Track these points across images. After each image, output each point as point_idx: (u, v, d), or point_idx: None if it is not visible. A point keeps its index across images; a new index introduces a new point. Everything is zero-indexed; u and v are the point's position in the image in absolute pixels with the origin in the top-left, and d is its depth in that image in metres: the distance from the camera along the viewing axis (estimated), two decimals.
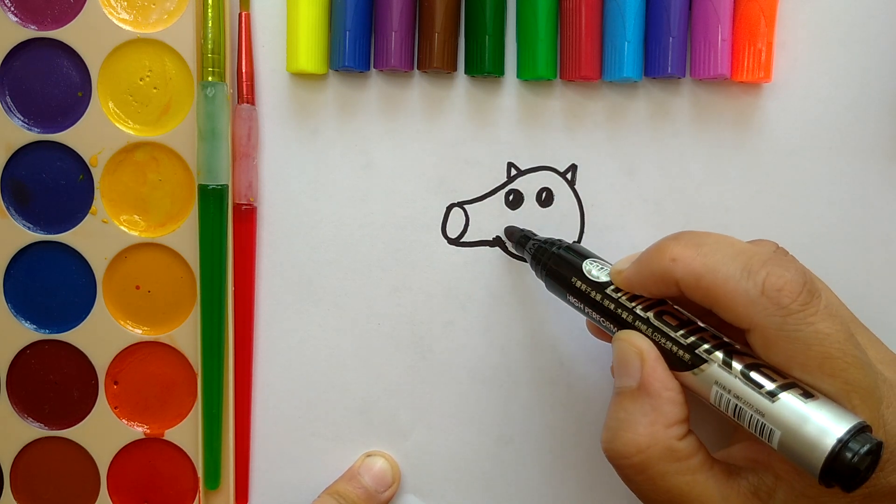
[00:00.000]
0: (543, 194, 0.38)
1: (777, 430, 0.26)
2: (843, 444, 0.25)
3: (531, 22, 0.36)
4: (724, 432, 0.36)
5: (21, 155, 0.39)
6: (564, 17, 0.36)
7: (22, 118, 0.39)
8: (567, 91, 0.38)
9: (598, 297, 0.32)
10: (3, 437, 0.41)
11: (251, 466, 0.40)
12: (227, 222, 0.38)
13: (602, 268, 0.32)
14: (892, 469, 0.27)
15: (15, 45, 0.39)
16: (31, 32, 0.38)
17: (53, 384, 0.41)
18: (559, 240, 0.35)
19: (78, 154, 0.39)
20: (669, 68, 0.35)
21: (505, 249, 0.39)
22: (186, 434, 0.40)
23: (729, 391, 0.27)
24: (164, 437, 0.40)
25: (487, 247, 0.39)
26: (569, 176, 0.38)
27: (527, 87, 0.38)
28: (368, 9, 0.37)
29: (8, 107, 0.39)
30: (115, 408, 0.40)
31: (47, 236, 0.39)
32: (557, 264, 0.33)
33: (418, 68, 0.38)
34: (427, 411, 0.40)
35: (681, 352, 0.29)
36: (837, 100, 0.37)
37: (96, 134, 0.39)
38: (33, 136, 0.39)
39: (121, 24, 0.38)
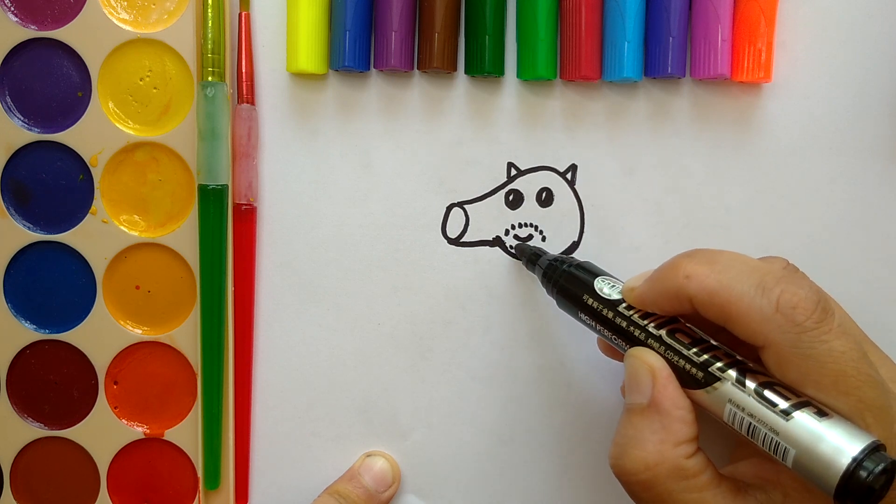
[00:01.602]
0: (543, 194, 0.38)
1: (791, 449, 0.26)
2: (857, 462, 0.25)
3: (531, 22, 0.36)
4: (730, 447, 0.36)
5: (21, 155, 0.39)
6: (564, 17, 0.36)
7: (22, 118, 0.39)
8: (567, 91, 0.38)
9: (610, 315, 0.32)
10: (3, 437, 0.41)
11: (251, 466, 0.40)
12: (227, 222, 0.38)
13: (613, 286, 0.32)
14: None
15: (15, 45, 0.39)
16: (31, 32, 0.38)
17: (53, 384, 0.40)
18: (570, 257, 0.35)
19: (78, 154, 0.39)
20: (669, 68, 0.35)
21: (505, 249, 0.39)
22: (186, 434, 0.40)
23: (743, 409, 0.27)
24: (164, 437, 0.40)
25: (487, 247, 0.39)
26: (569, 176, 0.38)
27: (527, 87, 0.38)
28: (368, 9, 0.37)
29: (8, 107, 0.39)
30: (115, 408, 0.40)
31: (47, 236, 0.39)
32: (569, 282, 0.33)
33: (418, 68, 0.38)
34: (427, 411, 0.40)
35: (693, 369, 0.29)
36: (837, 100, 0.37)
37: (96, 134, 0.39)
38: (33, 136, 0.39)
39: (121, 24, 0.38)
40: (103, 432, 0.40)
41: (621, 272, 0.38)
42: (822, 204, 0.37)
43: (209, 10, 0.37)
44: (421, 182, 0.39)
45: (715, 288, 0.28)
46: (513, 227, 0.38)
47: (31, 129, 0.39)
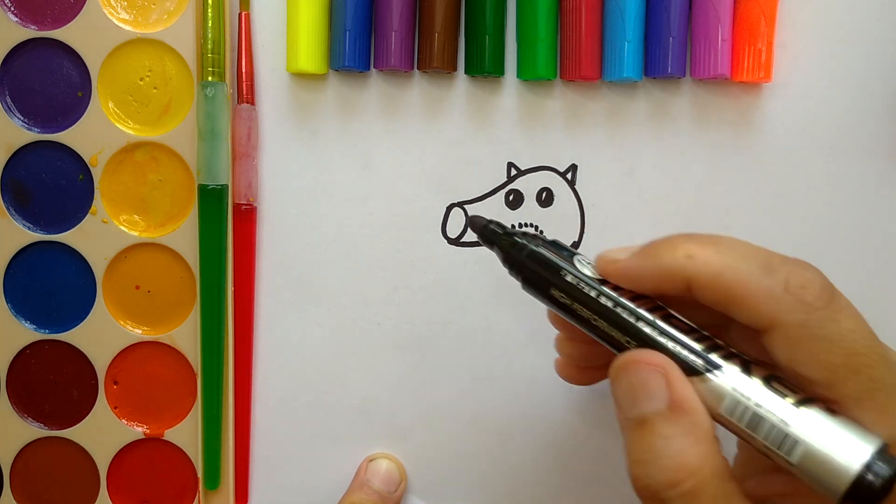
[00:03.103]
0: (543, 194, 0.38)
1: (801, 443, 0.25)
2: (868, 467, 0.24)
3: (531, 22, 0.36)
4: None
5: (21, 155, 0.39)
6: (564, 17, 0.36)
7: (22, 118, 0.39)
8: (567, 91, 0.38)
9: (594, 294, 0.28)
10: (3, 437, 0.41)
11: (251, 467, 0.40)
12: (226, 222, 0.38)
13: (591, 265, 0.30)
14: None
15: (15, 45, 0.39)
16: (31, 32, 0.38)
17: (53, 384, 0.40)
18: (533, 232, 0.33)
19: (78, 154, 0.39)
20: (669, 68, 0.35)
21: None
22: (186, 434, 0.40)
23: (749, 398, 0.26)
24: (164, 437, 0.40)
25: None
26: (569, 176, 0.38)
27: (527, 87, 0.38)
28: (368, 9, 0.37)
29: (8, 107, 0.39)
30: (115, 408, 0.40)
31: (47, 236, 0.39)
32: (539, 259, 0.29)
33: (418, 68, 0.38)
34: (427, 411, 0.40)
35: (692, 356, 0.27)
36: (837, 100, 0.37)
37: (96, 134, 0.39)
38: (33, 136, 0.39)
39: (121, 24, 0.38)
40: (103, 432, 0.40)
41: None
42: (822, 204, 0.37)
43: (209, 10, 0.37)
44: (421, 182, 0.39)
45: (720, 269, 0.26)
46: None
47: (30, 129, 0.39)
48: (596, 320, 0.28)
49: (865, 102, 0.36)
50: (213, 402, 0.39)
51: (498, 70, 0.37)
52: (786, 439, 0.25)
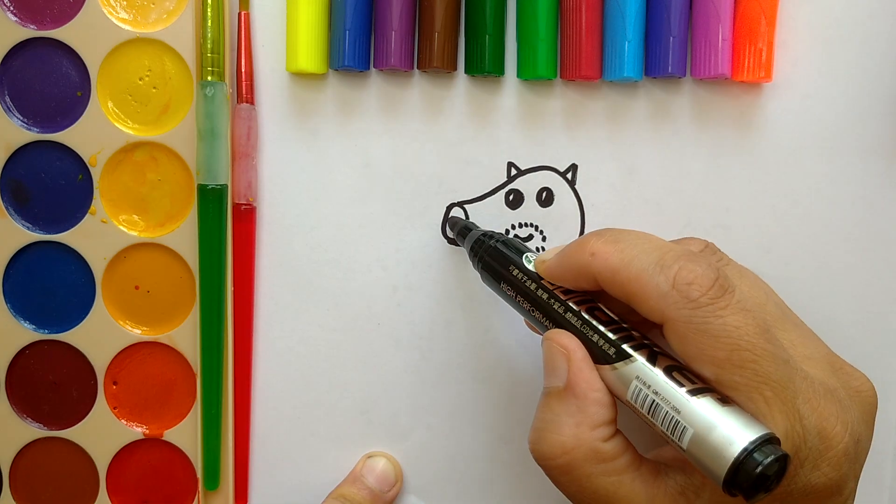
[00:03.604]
0: (543, 194, 0.38)
1: (690, 429, 0.26)
2: (748, 453, 0.25)
3: (531, 22, 0.36)
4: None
5: (20, 155, 0.39)
6: (564, 17, 0.36)
7: (21, 118, 0.39)
8: (567, 91, 0.38)
9: (532, 287, 0.32)
10: (3, 438, 0.41)
11: (251, 467, 0.40)
12: (226, 222, 0.38)
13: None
14: (811, 467, 0.27)
15: (14, 44, 0.38)
16: (31, 32, 0.38)
17: (52, 384, 0.40)
18: (499, 233, 0.35)
19: (77, 154, 0.39)
20: (670, 68, 0.35)
21: None
22: (186, 434, 0.40)
23: (648, 386, 0.28)
24: (164, 438, 0.40)
25: None
26: (569, 176, 0.38)
27: (527, 87, 0.38)
28: (368, 8, 0.37)
29: (7, 107, 0.39)
30: (115, 408, 0.40)
31: (46, 236, 0.39)
32: (494, 255, 0.34)
33: (418, 68, 0.38)
34: (427, 411, 0.40)
35: (606, 345, 0.29)
36: (837, 100, 0.37)
37: (95, 134, 0.39)
38: (32, 135, 0.39)
39: (120, 24, 0.38)
40: (103, 432, 0.40)
41: None
42: (822, 204, 0.37)
43: (209, 10, 0.37)
44: (421, 182, 0.39)
45: (617, 266, 0.28)
46: (513, 227, 0.38)
47: (30, 129, 0.39)
48: (533, 311, 0.32)
49: (865, 102, 0.36)
50: (212, 403, 0.39)
51: (498, 70, 0.37)
52: (677, 426, 0.27)
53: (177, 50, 0.38)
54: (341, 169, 0.39)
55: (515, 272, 0.33)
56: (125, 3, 0.38)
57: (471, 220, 0.38)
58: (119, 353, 0.40)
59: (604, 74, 0.36)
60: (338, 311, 0.39)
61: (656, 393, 0.27)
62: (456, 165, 0.38)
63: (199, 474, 0.40)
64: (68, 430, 0.40)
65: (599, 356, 0.29)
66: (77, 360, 0.40)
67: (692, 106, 0.37)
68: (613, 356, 0.29)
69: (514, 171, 0.38)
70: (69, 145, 0.39)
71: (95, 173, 0.39)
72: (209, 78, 0.37)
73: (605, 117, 0.38)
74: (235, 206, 0.39)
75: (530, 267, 0.32)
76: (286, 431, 0.40)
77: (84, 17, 0.38)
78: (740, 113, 0.37)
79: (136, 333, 0.40)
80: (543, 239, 0.38)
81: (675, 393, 0.27)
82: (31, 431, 0.40)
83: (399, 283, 0.39)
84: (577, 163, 0.38)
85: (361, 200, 0.39)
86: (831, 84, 0.36)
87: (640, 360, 0.28)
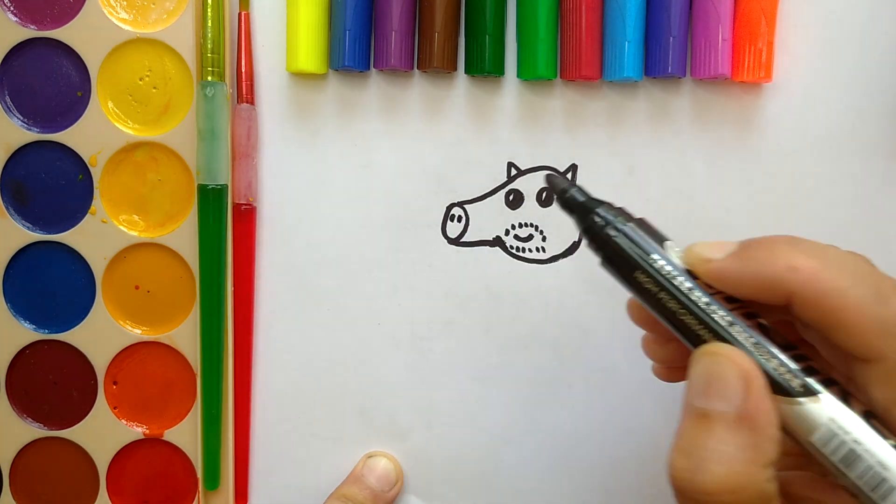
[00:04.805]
0: (543, 194, 0.38)
1: None
2: None
3: (531, 22, 0.36)
4: None
5: (20, 155, 0.39)
6: (564, 17, 0.36)
7: (21, 118, 0.39)
8: (567, 91, 0.38)
9: (686, 287, 0.26)
10: (3, 438, 0.41)
11: (251, 466, 0.40)
12: (226, 222, 0.38)
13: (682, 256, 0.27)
14: None
15: (14, 44, 0.39)
16: (31, 32, 0.38)
17: (53, 384, 0.40)
18: (620, 208, 0.28)
19: (77, 154, 0.39)
20: (670, 68, 0.35)
21: (505, 249, 0.39)
22: (186, 434, 0.40)
23: (847, 433, 0.24)
24: (164, 438, 0.40)
25: (487, 247, 0.39)
26: (569, 176, 0.38)
27: (527, 87, 0.38)
28: (368, 8, 0.37)
29: (7, 107, 0.39)
30: (115, 408, 0.40)
31: (47, 236, 0.39)
32: (627, 239, 0.27)
33: (418, 68, 0.38)
34: (427, 411, 0.40)
35: (788, 375, 0.25)
36: (837, 100, 0.36)
37: (96, 134, 0.39)
38: (33, 135, 0.39)
39: (120, 24, 0.38)
40: (103, 432, 0.40)
41: None
42: (822, 204, 0.37)
43: (209, 10, 0.37)
44: (421, 182, 0.39)
45: (827, 289, 0.24)
46: (513, 227, 0.38)
47: (30, 129, 0.39)
48: (683, 314, 0.26)
49: (865, 102, 0.36)
50: (212, 403, 0.39)
51: (498, 70, 0.37)
52: (882, 483, 0.24)
53: (177, 50, 0.38)
54: (341, 169, 0.39)
55: (659, 264, 0.26)
56: (125, 3, 0.38)
57: (471, 220, 0.38)
58: (119, 353, 0.40)
59: (604, 74, 0.36)
60: (338, 311, 0.39)
61: (857, 442, 0.24)
62: (456, 165, 0.38)
63: (199, 474, 0.40)
64: (68, 429, 0.40)
65: (777, 386, 0.25)
66: (77, 360, 0.40)
67: (692, 106, 0.37)
68: (798, 390, 0.24)
69: (514, 171, 0.38)
70: (69, 145, 0.39)
71: (96, 173, 0.39)
72: (209, 78, 0.37)
73: (605, 117, 0.38)
74: (235, 206, 0.39)
75: (676, 260, 0.27)
76: (286, 431, 0.40)
77: (84, 17, 0.38)
78: (740, 113, 0.37)
79: (137, 333, 0.40)
80: (543, 239, 0.38)
81: (882, 445, 0.24)
82: (32, 431, 0.40)
83: (399, 283, 0.39)
84: (577, 163, 0.38)
85: (361, 200, 0.39)
86: (831, 84, 0.36)
87: (831, 399, 0.24)
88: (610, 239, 0.27)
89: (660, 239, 0.27)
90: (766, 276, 0.25)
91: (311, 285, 0.39)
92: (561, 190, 0.29)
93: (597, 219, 0.27)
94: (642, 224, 0.27)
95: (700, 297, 0.26)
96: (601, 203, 0.28)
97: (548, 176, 0.30)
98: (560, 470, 0.39)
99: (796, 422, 0.25)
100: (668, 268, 0.26)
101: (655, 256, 0.26)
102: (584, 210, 0.28)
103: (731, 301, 0.26)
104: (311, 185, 0.39)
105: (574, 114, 0.38)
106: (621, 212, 0.28)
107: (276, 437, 0.40)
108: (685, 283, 0.26)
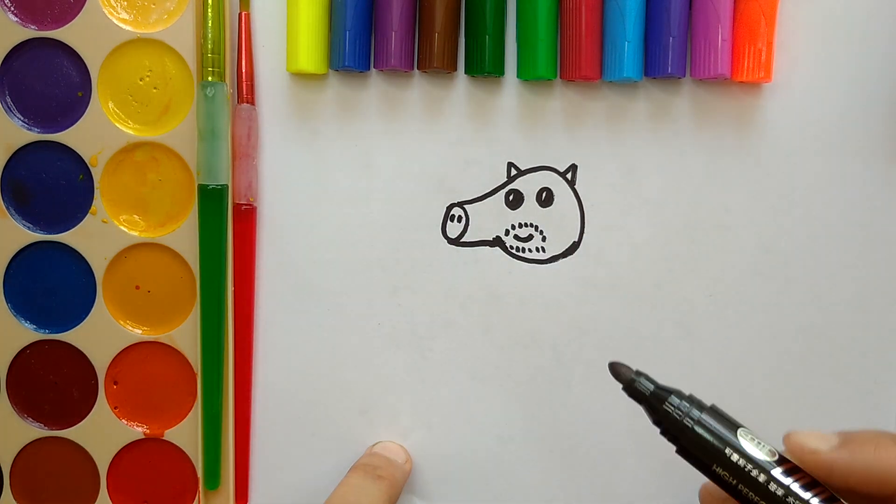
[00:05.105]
0: (543, 194, 0.38)
1: None
2: None
3: (531, 22, 0.36)
4: None
5: (21, 155, 0.39)
6: (564, 17, 0.36)
7: (22, 118, 0.39)
8: (567, 91, 0.38)
9: (762, 479, 0.26)
10: (3, 437, 0.41)
11: (251, 466, 0.40)
12: (226, 222, 0.38)
13: (760, 443, 0.27)
14: None
15: (15, 45, 0.39)
16: (31, 32, 0.38)
17: (53, 384, 0.40)
18: (689, 395, 0.28)
19: (78, 154, 0.39)
20: (669, 68, 0.35)
21: (505, 249, 0.39)
22: (186, 434, 0.40)
23: None
24: (164, 438, 0.40)
25: (487, 247, 0.39)
26: (569, 176, 0.38)
27: (527, 87, 0.38)
28: (368, 9, 0.37)
29: (8, 107, 0.39)
30: (115, 408, 0.40)
31: (47, 236, 0.39)
32: (703, 433, 0.27)
33: (418, 68, 0.38)
34: (427, 411, 0.40)
35: None
36: (837, 100, 0.36)
37: (96, 134, 0.39)
38: (33, 135, 0.39)
39: (121, 24, 0.38)
40: (103, 432, 0.40)
41: (622, 272, 0.38)
42: (822, 204, 0.37)
43: (209, 10, 0.37)
44: (421, 182, 0.39)
45: None
46: (513, 227, 0.38)
47: (30, 129, 0.39)
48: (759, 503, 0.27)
49: (866, 102, 0.36)
50: (212, 402, 0.39)
51: (498, 70, 0.37)
52: None
53: (177, 50, 0.38)
54: (341, 169, 0.39)
55: (735, 457, 0.27)
56: (126, 3, 0.38)
57: (471, 220, 0.38)
58: (119, 353, 0.40)
59: (604, 75, 0.36)
60: (338, 311, 0.39)
61: None
62: (456, 165, 0.38)
63: (200, 474, 0.40)
64: (69, 429, 0.40)
65: None
66: (78, 360, 0.40)
67: (692, 106, 0.37)
68: None
69: (514, 171, 0.38)
70: (70, 145, 0.39)
71: (96, 173, 0.39)
72: (210, 78, 0.37)
73: (605, 117, 0.38)
74: (236, 206, 0.39)
75: (753, 450, 0.27)
76: (286, 431, 0.40)
77: (85, 17, 0.38)
78: (740, 113, 0.37)
79: (137, 333, 0.40)
80: (543, 239, 0.38)
81: None
82: (32, 431, 0.40)
83: (399, 283, 0.39)
84: (576, 163, 0.38)
85: (361, 200, 0.39)
86: (831, 84, 0.36)
87: None
88: (687, 429, 0.27)
89: (733, 426, 0.27)
90: (876, 470, 0.26)
91: (311, 285, 0.39)
92: (629, 381, 0.29)
93: (670, 409, 0.28)
94: (714, 412, 0.28)
95: (776, 490, 0.26)
96: (671, 392, 0.28)
97: (612, 365, 0.29)
98: (559, 469, 0.39)
99: None
100: (743, 462, 0.27)
101: (733, 448, 0.27)
102: (654, 399, 0.28)
103: (813, 486, 0.26)
104: (311, 185, 0.39)
105: (574, 114, 0.38)
106: (692, 399, 0.28)
107: (276, 437, 0.40)
108: (761, 476, 0.26)
